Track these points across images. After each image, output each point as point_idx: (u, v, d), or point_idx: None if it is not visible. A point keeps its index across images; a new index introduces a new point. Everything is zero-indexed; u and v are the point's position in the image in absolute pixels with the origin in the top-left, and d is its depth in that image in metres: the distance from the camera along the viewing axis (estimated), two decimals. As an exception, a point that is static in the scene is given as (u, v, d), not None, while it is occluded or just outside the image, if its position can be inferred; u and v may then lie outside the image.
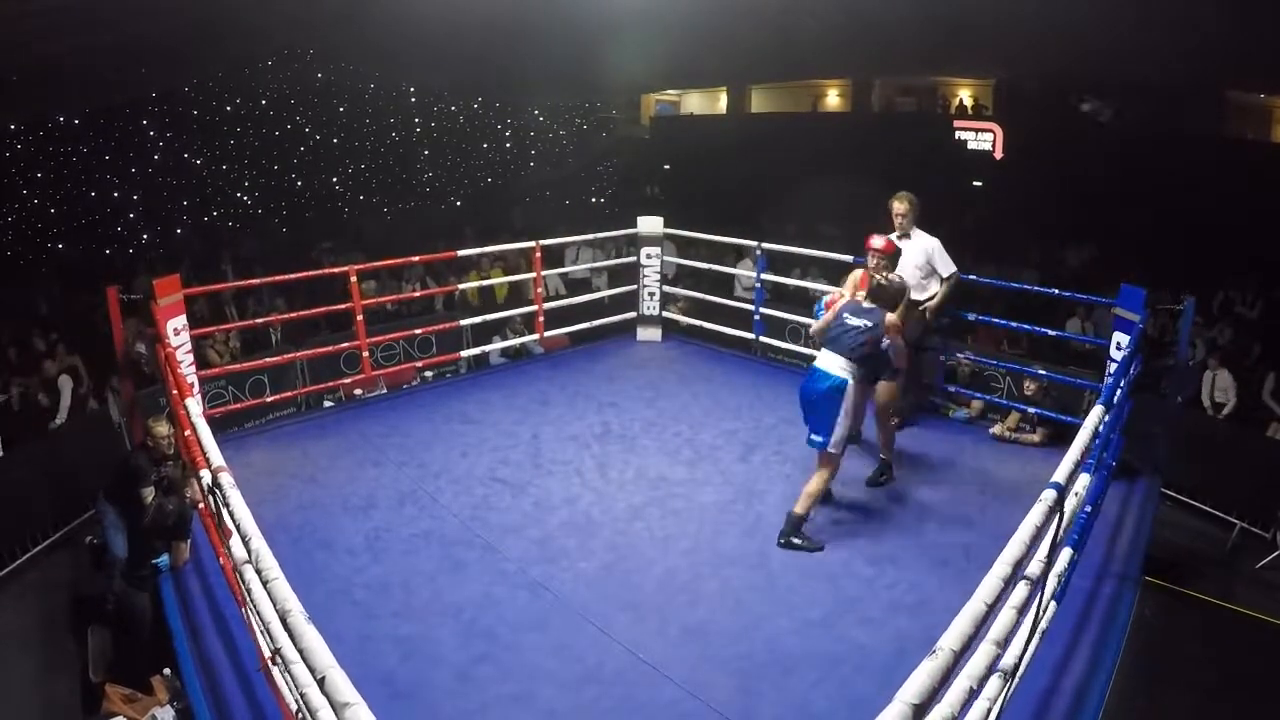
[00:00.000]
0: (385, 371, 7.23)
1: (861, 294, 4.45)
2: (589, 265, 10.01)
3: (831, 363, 4.22)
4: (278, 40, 12.11)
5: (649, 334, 7.77)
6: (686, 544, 4.29)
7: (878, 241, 4.61)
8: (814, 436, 4.23)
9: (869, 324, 4.23)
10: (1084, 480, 3.24)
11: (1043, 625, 3.01)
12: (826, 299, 4.70)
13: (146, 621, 4.16)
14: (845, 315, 4.31)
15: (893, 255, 4.64)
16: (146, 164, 12.89)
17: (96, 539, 5.06)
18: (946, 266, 5.27)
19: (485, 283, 8.66)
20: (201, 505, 3.96)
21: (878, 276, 4.48)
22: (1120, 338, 4.75)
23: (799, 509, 4.23)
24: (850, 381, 4.17)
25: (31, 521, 6.01)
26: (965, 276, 5.60)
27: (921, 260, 5.25)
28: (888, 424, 4.96)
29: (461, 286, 8.33)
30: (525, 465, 5.18)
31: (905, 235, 5.27)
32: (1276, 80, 10.81)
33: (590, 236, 8.18)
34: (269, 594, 2.32)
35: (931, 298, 5.31)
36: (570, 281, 10.36)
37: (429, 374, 7.84)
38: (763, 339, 7.19)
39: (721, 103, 19.35)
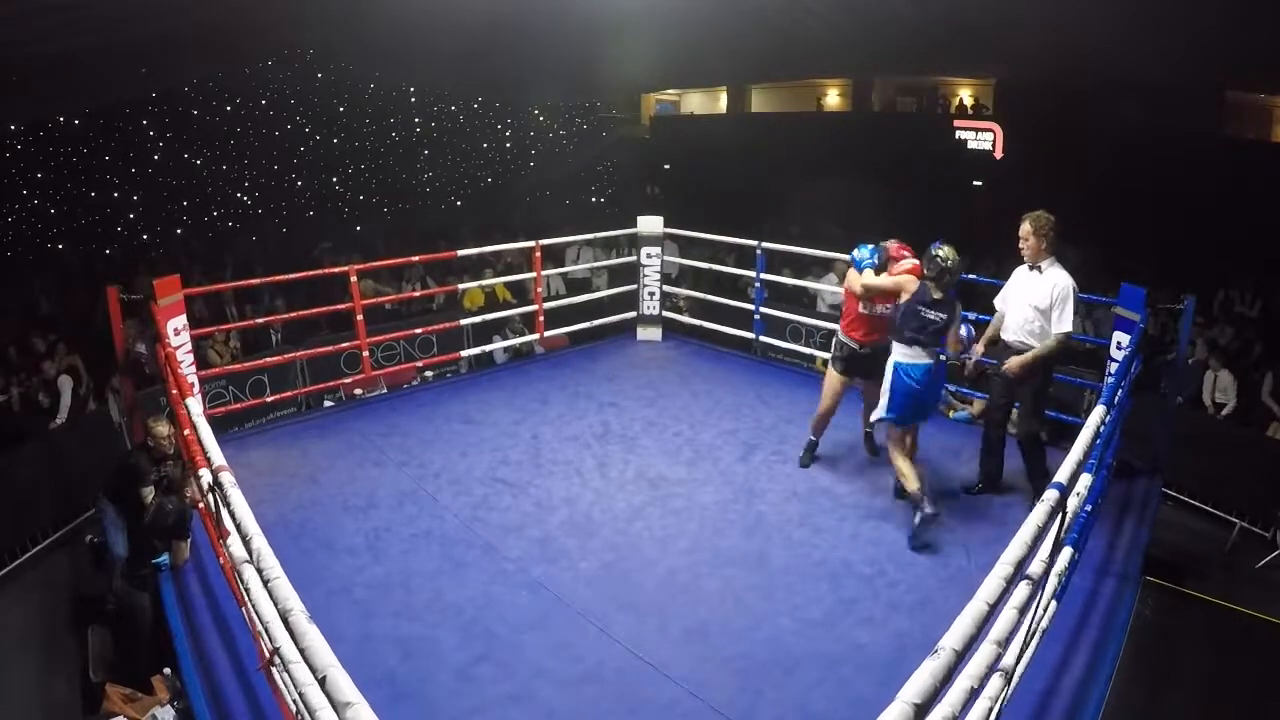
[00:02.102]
0: (385, 371, 7.23)
1: (930, 287, 4.28)
2: (589, 265, 10.01)
3: (920, 356, 4.30)
4: (277, 39, 12.09)
5: (649, 334, 7.77)
6: (686, 544, 4.29)
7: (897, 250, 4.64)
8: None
9: (945, 315, 4.25)
10: (1084, 480, 3.24)
11: (1043, 625, 3.01)
12: (867, 265, 4.60)
13: (147, 621, 4.16)
14: (920, 310, 4.26)
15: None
16: (146, 164, 12.89)
17: (96, 538, 5.06)
18: (1062, 322, 4.31)
19: (484, 283, 8.65)
20: (201, 505, 3.96)
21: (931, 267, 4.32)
22: (1120, 337, 4.75)
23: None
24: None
25: (31, 521, 6.00)
26: (965, 277, 5.53)
27: (1045, 302, 4.34)
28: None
29: (462, 287, 8.33)
30: (525, 465, 5.18)
31: (1035, 268, 4.42)
32: (1276, 80, 10.81)
33: (590, 236, 8.18)
34: (269, 593, 2.32)
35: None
36: (570, 281, 10.36)
37: (429, 374, 7.83)
38: (763, 339, 7.19)
39: (721, 103, 19.35)
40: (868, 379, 4.81)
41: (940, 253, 4.24)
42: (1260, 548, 6.13)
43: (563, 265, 9.71)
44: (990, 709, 2.35)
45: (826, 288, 7.99)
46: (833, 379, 4.94)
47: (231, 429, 6.01)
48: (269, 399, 6.55)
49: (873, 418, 4.60)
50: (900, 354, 4.34)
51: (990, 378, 4.87)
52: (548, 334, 7.16)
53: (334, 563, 4.11)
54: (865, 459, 5.19)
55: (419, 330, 7.58)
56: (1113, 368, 4.72)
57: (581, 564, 4.11)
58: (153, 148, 12.90)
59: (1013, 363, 4.43)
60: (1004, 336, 4.61)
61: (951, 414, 6.11)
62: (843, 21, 10.04)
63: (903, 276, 4.43)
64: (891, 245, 4.66)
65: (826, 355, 5.42)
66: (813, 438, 5.17)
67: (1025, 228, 4.42)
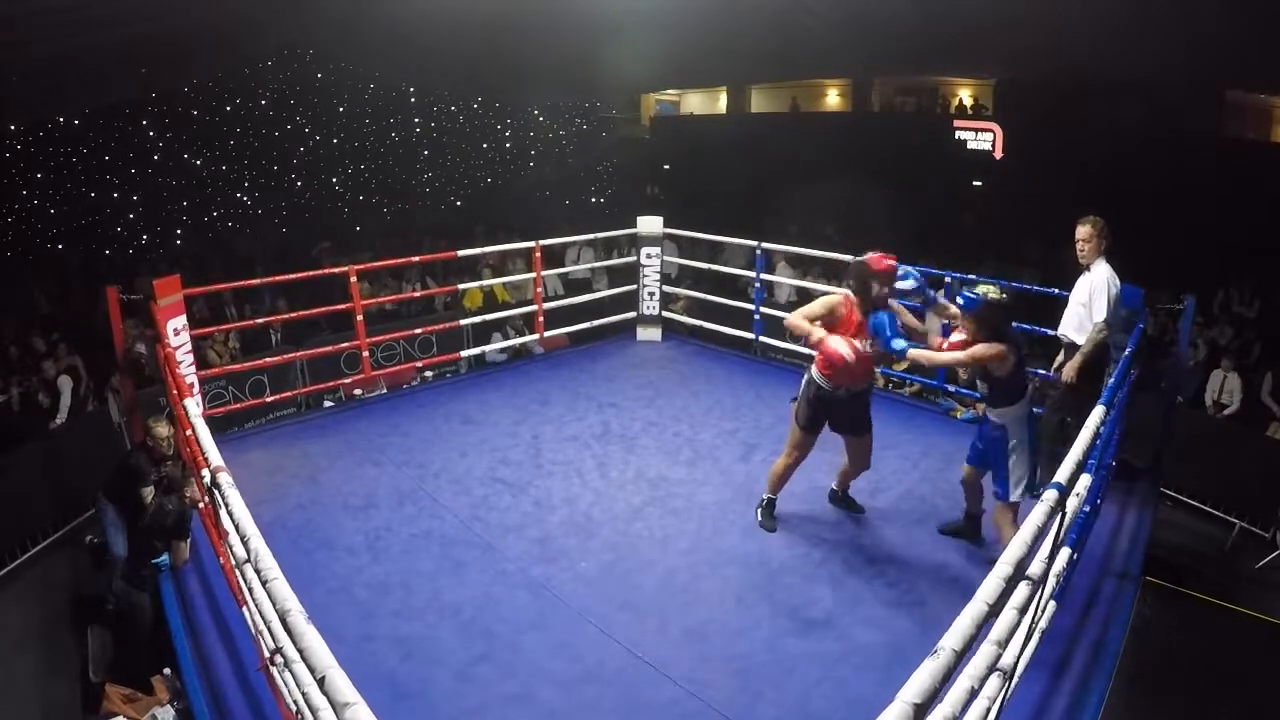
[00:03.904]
0: (385, 371, 7.24)
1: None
2: (589, 265, 10.01)
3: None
4: (277, 40, 12.08)
5: (649, 334, 7.77)
6: (686, 544, 4.29)
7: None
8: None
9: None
10: (1084, 480, 3.24)
11: (1042, 625, 3.01)
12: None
13: (147, 621, 4.16)
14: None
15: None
16: (146, 165, 12.87)
17: (96, 538, 5.07)
18: (1097, 311, 4.28)
19: (483, 283, 8.66)
20: (202, 505, 3.96)
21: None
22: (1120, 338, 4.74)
23: None
24: None
25: (31, 521, 6.01)
26: (964, 277, 5.55)
27: (1086, 296, 4.38)
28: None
29: (462, 287, 8.32)
30: (525, 465, 5.18)
31: (1087, 269, 4.43)
32: (1276, 80, 10.80)
33: (590, 236, 8.18)
34: (269, 594, 2.31)
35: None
36: (570, 281, 10.35)
37: (429, 374, 7.84)
38: (763, 339, 7.18)
39: (721, 103, 19.35)
40: (837, 429, 4.24)
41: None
42: (1260, 548, 6.13)
43: (562, 265, 9.70)
44: (990, 709, 2.35)
45: (829, 288, 7.94)
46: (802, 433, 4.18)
47: (231, 429, 6.01)
48: (269, 399, 6.55)
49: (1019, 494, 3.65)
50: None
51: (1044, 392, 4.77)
52: (547, 334, 7.17)
53: (334, 563, 4.11)
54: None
55: (419, 330, 7.59)
56: (1112, 368, 4.72)
57: (581, 564, 4.11)
58: (153, 148, 12.88)
59: (1067, 371, 4.37)
60: (1058, 333, 4.64)
61: (959, 415, 6.12)
62: (843, 21, 10.03)
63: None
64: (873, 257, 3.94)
65: None
66: (771, 495, 4.45)
67: (1086, 230, 4.40)
